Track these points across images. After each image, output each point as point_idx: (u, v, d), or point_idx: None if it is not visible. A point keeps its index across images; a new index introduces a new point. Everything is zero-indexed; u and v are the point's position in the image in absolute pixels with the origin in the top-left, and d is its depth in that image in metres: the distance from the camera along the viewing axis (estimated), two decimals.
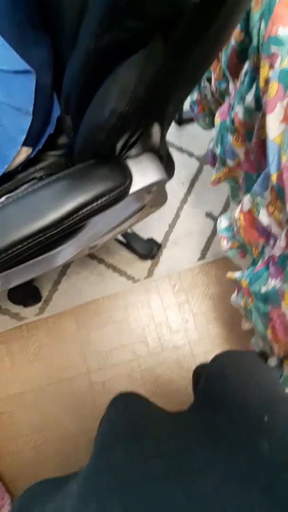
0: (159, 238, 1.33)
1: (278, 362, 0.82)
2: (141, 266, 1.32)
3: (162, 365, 1.24)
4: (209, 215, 1.35)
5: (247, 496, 0.37)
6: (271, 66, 0.51)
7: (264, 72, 0.52)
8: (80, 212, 0.45)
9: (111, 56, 0.38)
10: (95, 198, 0.45)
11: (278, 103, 0.50)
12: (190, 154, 1.41)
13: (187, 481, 0.42)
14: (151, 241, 1.28)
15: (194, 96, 0.89)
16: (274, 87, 0.50)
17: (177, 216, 1.36)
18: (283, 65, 0.48)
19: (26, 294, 1.27)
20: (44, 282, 1.33)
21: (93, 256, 1.33)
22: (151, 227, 1.35)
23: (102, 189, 0.46)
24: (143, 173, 0.51)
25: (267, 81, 0.52)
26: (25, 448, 1.23)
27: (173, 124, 1.43)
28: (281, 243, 0.58)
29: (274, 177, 0.54)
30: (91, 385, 1.24)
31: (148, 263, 1.33)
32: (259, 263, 0.71)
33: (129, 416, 0.65)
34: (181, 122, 1.40)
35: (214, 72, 0.76)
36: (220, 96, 0.77)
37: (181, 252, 1.33)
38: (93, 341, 1.28)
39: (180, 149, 1.41)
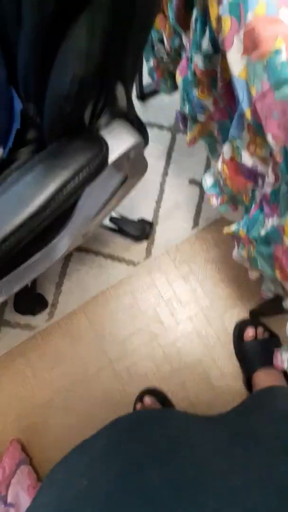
0: (149, 217, 1.33)
1: None
2: (138, 248, 1.32)
3: (181, 338, 1.25)
4: (192, 181, 1.35)
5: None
6: (219, 3, 0.50)
7: (213, 11, 0.51)
8: (64, 190, 0.44)
9: (59, 22, 0.37)
10: (76, 172, 0.45)
11: (235, 37, 0.49)
12: (160, 127, 1.40)
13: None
14: (142, 221, 1.28)
15: (150, 62, 0.88)
16: (227, 22, 0.49)
17: (161, 190, 1.35)
18: None
19: (32, 303, 1.27)
20: (46, 287, 1.32)
21: (89, 250, 1.33)
22: (138, 208, 1.35)
23: (81, 162, 0.45)
24: (118, 139, 0.50)
25: (218, 19, 0.51)
26: (66, 452, 1.23)
27: (136, 101, 1.41)
28: (269, 179, 0.58)
29: (248, 113, 0.53)
30: (116, 375, 1.25)
31: (144, 243, 1.32)
32: (253, 207, 0.71)
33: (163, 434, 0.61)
34: (143, 97, 1.39)
35: (165, 30, 0.75)
36: (176, 54, 0.76)
37: (174, 224, 1.32)
38: (108, 332, 1.28)
39: (149, 124, 1.40)
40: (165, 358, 1.24)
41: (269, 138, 0.50)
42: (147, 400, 1.15)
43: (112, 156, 0.49)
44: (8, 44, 0.54)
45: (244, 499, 0.39)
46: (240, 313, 1.25)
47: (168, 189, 1.35)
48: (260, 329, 1.17)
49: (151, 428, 0.57)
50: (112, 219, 1.21)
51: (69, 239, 0.64)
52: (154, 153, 1.38)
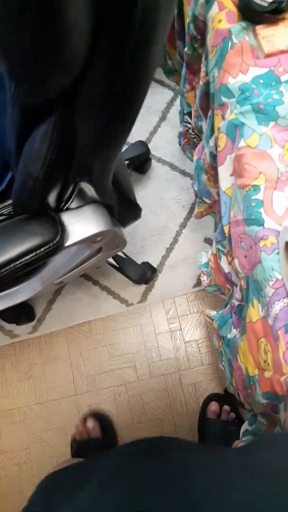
0: (155, 262, 1.32)
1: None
2: (136, 290, 1.31)
3: (149, 393, 1.22)
4: (207, 240, 1.32)
5: None
6: (223, 117, 0.49)
7: (217, 121, 0.51)
8: (11, 265, 0.45)
9: (28, 121, 0.37)
10: (21, 255, 0.45)
11: (227, 156, 0.48)
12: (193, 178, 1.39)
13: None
14: (145, 265, 1.27)
15: (180, 128, 0.88)
16: (223, 140, 0.48)
17: (175, 240, 1.34)
18: (231, 117, 0.46)
19: (20, 312, 1.28)
20: (39, 301, 1.34)
21: (88, 277, 1.33)
22: (148, 250, 1.34)
23: (29, 246, 0.45)
24: (83, 224, 0.50)
25: (219, 131, 0.50)
26: (8, 465, 1.24)
27: (177, 147, 1.41)
28: (237, 295, 0.56)
29: (226, 229, 0.52)
30: (77, 408, 1.24)
31: (143, 287, 1.31)
32: (227, 307, 0.68)
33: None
34: None
35: (194, 107, 0.74)
36: (199, 132, 0.75)
37: (177, 277, 1.30)
38: (82, 363, 1.27)
39: (183, 172, 1.39)
40: (128, 408, 1.22)
41: (236, 263, 0.49)
42: (90, 423, 1.13)
43: (73, 239, 0.49)
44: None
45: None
46: (216, 387, 1.21)
47: (182, 241, 1.33)
48: (226, 408, 1.12)
49: (157, 457, 0.57)
50: (116, 256, 1.20)
51: (38, 285, 0.65)
52: (180, 202, 1.37)
